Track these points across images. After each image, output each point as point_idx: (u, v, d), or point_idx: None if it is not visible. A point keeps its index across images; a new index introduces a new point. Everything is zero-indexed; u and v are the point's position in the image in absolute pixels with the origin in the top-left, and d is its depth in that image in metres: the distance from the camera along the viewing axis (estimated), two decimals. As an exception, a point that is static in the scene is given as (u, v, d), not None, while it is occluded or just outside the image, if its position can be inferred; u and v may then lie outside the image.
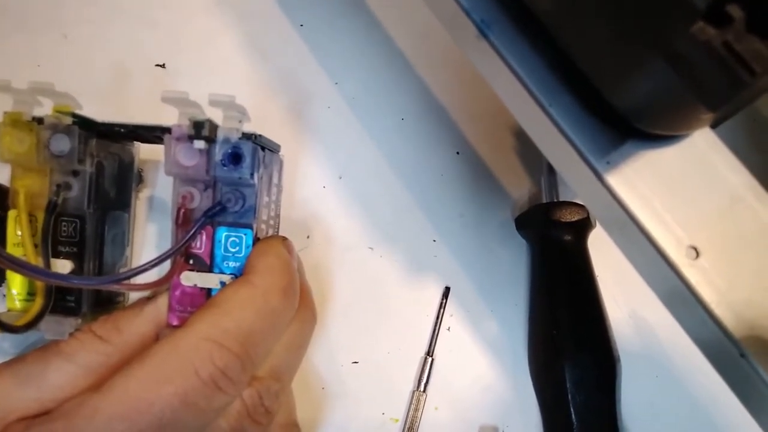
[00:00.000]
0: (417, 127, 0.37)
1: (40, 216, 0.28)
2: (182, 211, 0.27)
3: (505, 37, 0.22)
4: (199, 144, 0.26)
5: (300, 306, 0.28)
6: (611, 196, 0.21)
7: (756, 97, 0.15)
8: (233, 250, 0.28)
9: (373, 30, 0.39)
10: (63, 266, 0.28)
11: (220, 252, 0.28)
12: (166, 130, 0.27)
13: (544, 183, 0.34)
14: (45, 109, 0.29)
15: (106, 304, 0.31)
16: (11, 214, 0.28)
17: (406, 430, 0.32)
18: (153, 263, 0.26)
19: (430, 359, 0.33)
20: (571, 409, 0.29)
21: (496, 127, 0.37)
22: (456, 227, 0.35)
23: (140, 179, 0.35)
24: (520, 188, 0.36)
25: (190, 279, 0.27)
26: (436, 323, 0.34)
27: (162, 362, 0.22)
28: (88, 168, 0.29)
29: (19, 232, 0.28)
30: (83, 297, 0.29)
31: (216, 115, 0.27)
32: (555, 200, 0.33)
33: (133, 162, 0.33)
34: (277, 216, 0.33)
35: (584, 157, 0.21)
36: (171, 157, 0.27)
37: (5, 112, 0.28)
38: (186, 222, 0.27)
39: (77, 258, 0.29)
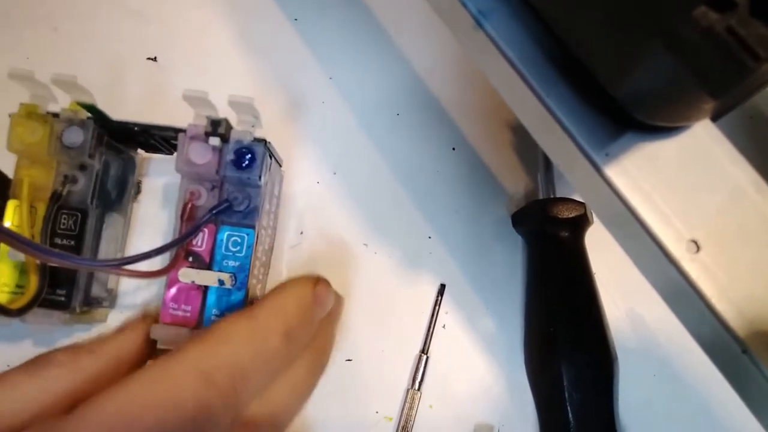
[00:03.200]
0: (412, 123, 0.36)
1: (41, 208, 0.28)
2: (189, 206, 0.28)
3: (501, 28, 0.22)
4: (214, 141, 0.27)
5: (313, 351, 0.27)
6: (610, 189, 0.20)
7: (761, 85, 0.15)
8: (234, 249, 0.28)
9: (369, 24, 0.38)
10: None
11: (220, 251, 0.28)
12: (180, 130, 0.29)
13: (541, 179, 0.34)
14: (58, 107, 0.29)
15: (93, 304, 0.31)
16: (11, 203, 0.28)
17: (400, 429, 0.32)
18: (156, 251, 0.26)
19: (425, 357, 0.33)
20: (568, 408, 0.29)
21: (492, 123, 0.36)
22: (451, 223, 0.35)
23: (138, 189, 0.35)
24: (516, 184, 0.36)
25: (188, 276, 0.27)
26: (431, 321, 0.33)
27: (148, 387, 0.21)
28: (97, 163, 0.29)
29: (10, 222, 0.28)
30: (74, 292, 0.29)
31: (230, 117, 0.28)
32: (552, 196, 0.33)
33: (134, 170, 0.34)
34: (274, 228, 0.33)
35: (582, 149, 0.20)
36: (183, 155, 0.27)
37: (22, 104, 0.28)
38: (191, 217, 0.28)
39: (73, 251, 0.29)
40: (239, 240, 0.28)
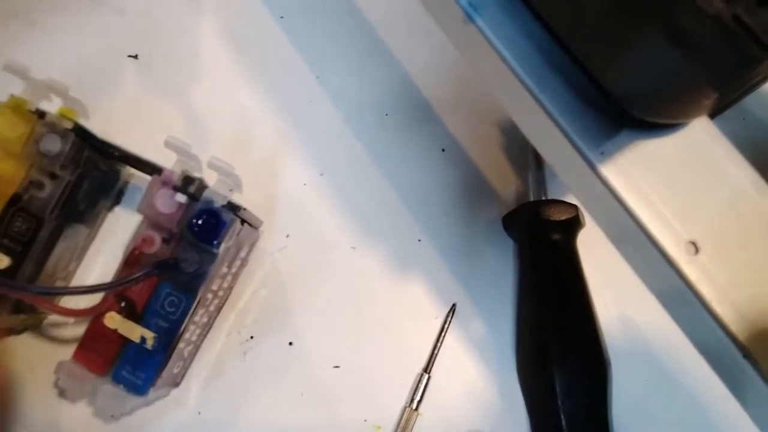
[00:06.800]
0: (401, 123, 0.36)
1: (1, 202, 0.27)
2: (136, 252, 0.26)
3: (493, 22, 0.21)
4: (181, 198, 0.26)
5: None
6: (606, 188, 0.19)
7: (765, 78, 0.14)
8: (169, 309, 0.26)
9: (357, 22, 0.37)
10: (0, 260, 0.27)
11: (155, 306, 0.26)
12: (157, 170, 0.27)
13: (532, 180, 0.33)
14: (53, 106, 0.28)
15: (27, 311, 0.29)
16: None
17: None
18: (83, 290, 0.25)
19: (426, 377, 0.31)
20: (561, 415, 0.28)
21: (482, 123, 0.36)
22: (441, 226, 0.34)
23: (118, 200, 0.33)
24: (507, 186, 0.35)
25: (113, 321, 0.26)
26: (437, 340, 0.32)
27: None
28: (68, 176, 0.28)
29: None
30: (5, 299, 0.28)
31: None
32: (543, 198, 0.32)
33: (117, 181, 0.33)
34: (230, 288, 0.32)
35: (577, 147, 0.20)
36: (149, 198, 0.26)
37: (12, 95, 0.28)
38: (134, 264, 0.26)
39: (17, 257, 0.28)
40: (177, 302, 0.26)
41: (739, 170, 0.19)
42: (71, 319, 0.30)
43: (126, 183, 0.34)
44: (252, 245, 0.32)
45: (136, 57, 0.36)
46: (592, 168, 0.20)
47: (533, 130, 0.22)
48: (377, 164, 0.35)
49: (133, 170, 0.32)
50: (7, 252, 0.27)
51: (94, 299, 0.26)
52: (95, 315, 0.26)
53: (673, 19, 0.14)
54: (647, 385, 0.32)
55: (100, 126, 0.30)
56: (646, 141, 0.19)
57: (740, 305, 0.18)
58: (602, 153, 0.19)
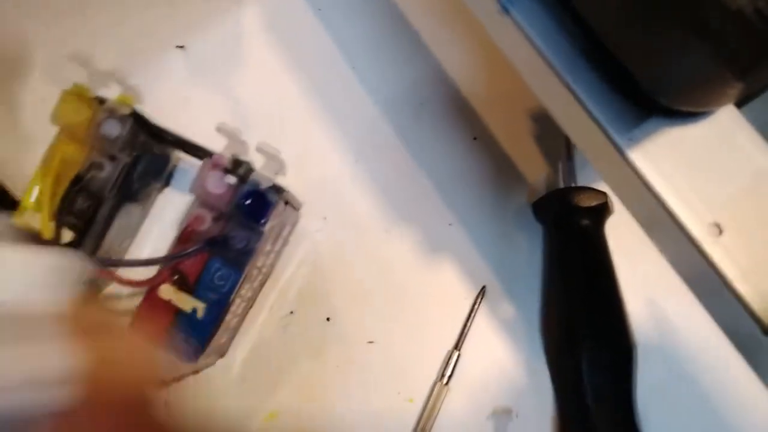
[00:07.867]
0: (435, 112, 0.37)
1: (63, 183, 0.29)
2: (188, 229, 0.28)
3: (527, 13, 0.22)
4: (230, 179, 0.28)
5: None
6: (634, 172, 0.20)
7: (786, 67, 0.15)
8: (219, 283, 0.28)
9: (392, 14, 0.38)
10: (64, 234, 0.30)
11: (206, 279, 0.28)
12: (208, 153, 0.30)
13: (562, 167, 0.34)
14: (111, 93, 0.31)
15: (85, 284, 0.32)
16: (38, 171, 0.30)
17: (423, 419, 0.32)
18: (142, 263, 0.28)
19: (457, 353, 0.33)
20: (587, 393, 0.29)
21: (514, 112, 0.37)
22: (472, 211, 0.35)
23: (168, 182, 0.36)
24: (537, 173, 0.36)
25: (167, 292, 0.28)
26: (467, 320, 0.33)
27: None
28: (126, 158, 0.30)
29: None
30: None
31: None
32: (573, 185, 0.33)
33: (167, 164, 0.35)
34: (272, 266, 0.33)
35: (607, 133, 0.21)
36: (201, 180, 0.28)
37: (75, 83, 0.30)
38: (187, 240, 0.28)
39: (80, 233, 0.30)
40: (225, 276, 0.28)
41: (762, 155, 0.20)
42: (127, 291, 0.32)
43: (174, 166, 0.36)
44: (293, 226, 0.34)
45: (183, 47, 0.38)
46: (621, 153, 0.21)
47: (565, 117, 0.23)
48: (410, 151, 0.36)
49: (180, 154, 0.33)
50: (71, 227, 0.29)
51: (149, 273, 0.28)
52: (151, 286, 0.28)
53: (699, 13, 0.15)
54: (672, 369, 0.33)
55: (150, 112, 0.32)
56: (673, 128, 0.20)
57: (761, 284, 0.19)
58: (631, 139, 0.20)
